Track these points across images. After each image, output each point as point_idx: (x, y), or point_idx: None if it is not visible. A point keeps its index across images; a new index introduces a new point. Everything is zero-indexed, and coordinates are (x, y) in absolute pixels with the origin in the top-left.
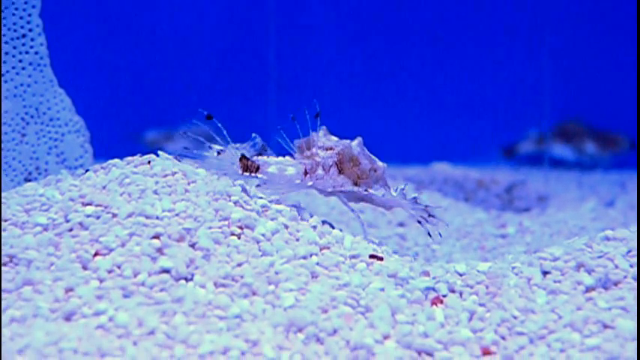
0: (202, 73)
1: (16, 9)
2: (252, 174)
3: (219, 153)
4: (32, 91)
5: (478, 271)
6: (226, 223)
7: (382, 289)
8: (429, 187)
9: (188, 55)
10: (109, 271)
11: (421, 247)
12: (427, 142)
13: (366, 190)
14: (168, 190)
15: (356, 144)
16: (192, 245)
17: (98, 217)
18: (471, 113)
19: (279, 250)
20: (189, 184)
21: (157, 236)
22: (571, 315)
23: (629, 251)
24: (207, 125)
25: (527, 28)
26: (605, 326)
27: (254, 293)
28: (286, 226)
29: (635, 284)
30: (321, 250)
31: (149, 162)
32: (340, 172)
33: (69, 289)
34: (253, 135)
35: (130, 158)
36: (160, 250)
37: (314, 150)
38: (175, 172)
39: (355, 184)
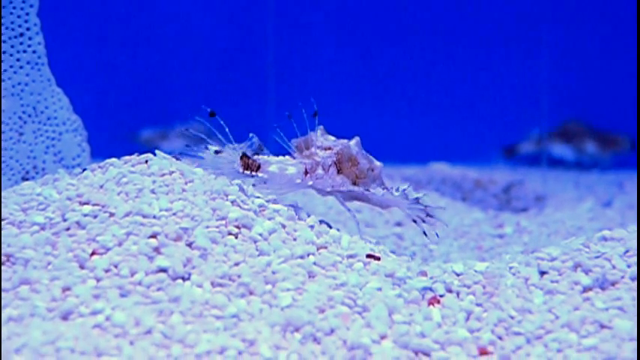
0: (199, 72)
1: (14, 8)
2: (253, 173)
3: (217, 153)
4: (30, 90)
5: (475, 271)
6: (223, 222)
7: (379, 289)
8: (426, 187)
9: (184, 53)
10: (106, 271)
11: (418, 247)
12: (425, 141)
13: (367, 190)
14: (165, 189)
15: (354, 144)
16: (190, 245)
17: (95, 217)
18: (471, 113)
19: (276, 249)
20: (186, 183)
21: (154, 235)
22: (568, 315)
23: (627, 251)
24: (206, 124)
25: (528, 27)
26: (603, 326)
27: (251, 293)
28: (283, 226)
29: (633, 284)
30: (318, 249)
31: (146, 161)
32: (339, 171)
33: (66, 289)
34: (250, 135)
35: (127, 157)
36: (157, 250)
37: (313, 149)
38: (173, 172)
39: (354, 183)
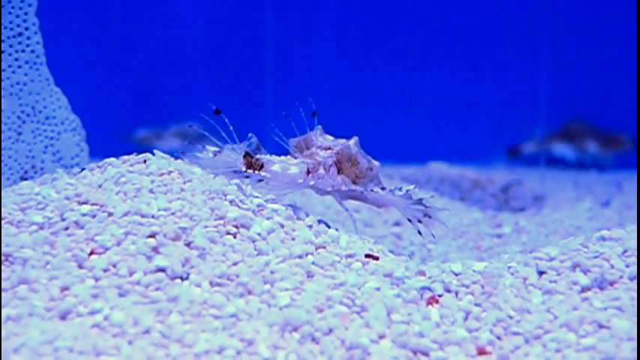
0: (195, 72)
1: (13, 7)
2: (256, 171)
3: (215, 154)
4: (28, 90)
5: (474, 270)
6: (222, 222)
7: (378, 289)
8: (425, 187)
9: (181, 53)
10: (105, 270)
11: (417, 247)
12: (424, 141)
13: (371, 190)
14: (164, 189)
15: (353, 143)
16: (188, 244)
17: (94, 216)
18: (470, 113)
19: (274, 249)
20: (185, 183)
21: (152, 235)
22: (567, 315)
23: (625, 251)
24: (203, 123)
25: (528, 26)
26: (601, 326)
27: (249, 292)
28: (282, 226)
29: (631, 284)
30: (316, 249)
31: (145, 161)
32: (339, 171)
33: (64, 288)
34: (249, 134)
35: (125, 157)
36: (155, 249)
37: (313, 149)
38: (171, 171)
39: (354, 183)
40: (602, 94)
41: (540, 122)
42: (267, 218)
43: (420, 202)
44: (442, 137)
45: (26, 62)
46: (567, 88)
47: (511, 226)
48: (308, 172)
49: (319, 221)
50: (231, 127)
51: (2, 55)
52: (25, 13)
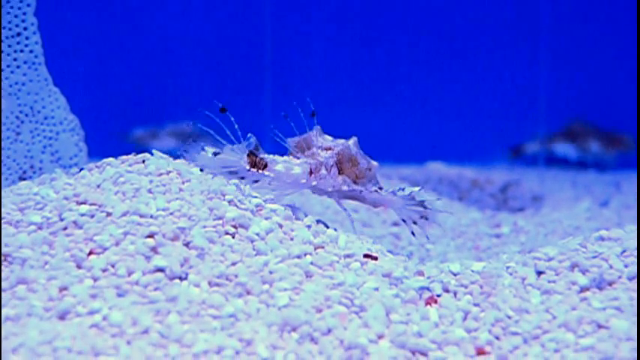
0: (192, 71)
1: (11, 7)
2: (260, 171)
3: (215, 154)
4: (27, 90)
5: (472, 270)
6: (220, 222)
7: (376, 289)
8: (423, 187)
9: (178, 52)
10: (103, 270)
11: (415, 247)
12: (423, 141)
13: (376, 191)
14: (162, 189)
15: (352, 144)
16: (187, 244)
17: (92, 216)
18: (469, 113)
19: (273, 249)
20: (183, 183)
21: (151, 235)
22: (565, 315)
23: (624, 251)
24: (196, 123)
25: (528, 26)
26: (600, 326)
27: (248, 292)
28: (280, 226)
29: (630, 284)
30: (315, 249)
31: (143, 161)
32: (340, 172)
33: (63, 288)
34: (248, 135)
35: (124, 157)
36: (154, 249)
37: (314, 149)
38: (170, 171)
39: (354, 183)
40: (604, 94)
41: (541, 122)
42: (266, 218)
43: (420, 203)
44: (441, 137)
45: (25, 62)
46: (569, 89)
47: (510, 226)
48: (310, 173)
49: (318, 221)
50: (236, 126)
51: (1, 55)
52: (24, 13)
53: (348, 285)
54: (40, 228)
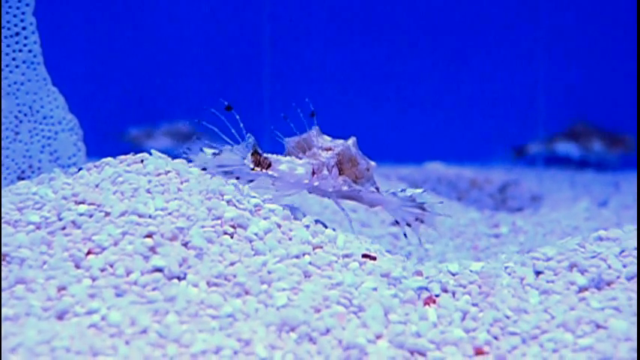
0: (189, 71)
1: (10, 7)
2: (264, 170)
3: (214, 155)
4: (26, 90)
5: (471, 270)
6: (219, 222)
7: (375, 289)
8: (422, 187)
9: (175, 52)
10: (102, 270)
11: (414, 247)
12: (421, 141)
13: (377, 190)
14: (161, 188)
15: (351, 144)
16: (185, 244)
17: (91, 216)
18: (470, 112)
19: (271, 249)
20: (182, 182)
21: (149, 235)
22: (564, 315)
23: (623, 251)
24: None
25: (529, 26)
26: (598, 326)
27: (247, 292)
28: (279, 225)
29: (628, 284)
30: (313, 249)
31: (142, 161)
32: (340, 172)
33: (61, 288)
34: (248, 135)
35: (123, 157)
36: (152, 249)
37: (314, 150)
38: (168, 171)
39: (354, 183)
40: (607, 95)
41: (540, 122)
42: (265, 218)
43: (419, 205)
44: (440, 137)
45: (24, 62)
46: (570, 89)
47: (508, 226)
48: (313, 173)
49: (316, 221)
50: (241, 125)
51: (0, 54)
52: (23, 13)
53: (346, 285)
54: (38, 228)
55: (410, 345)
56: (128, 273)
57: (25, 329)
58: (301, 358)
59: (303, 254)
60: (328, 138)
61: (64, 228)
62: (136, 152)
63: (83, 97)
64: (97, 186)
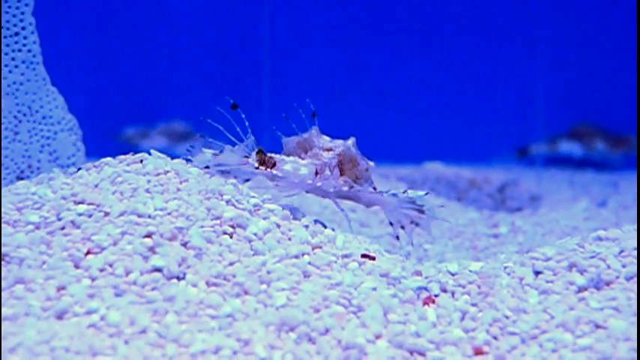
0: (187, 71)
1: (9, 7)
2: (268, 169)
3: (215, 155)
4: (25, 90)
5: (470, 270)
6: (218, 222)
7: (374, 289)
8: (421, 187)
9: (171, 53)
10: (101, 270)
11: (413, 247)
12: (420, 140)
13: (375, 190)
14: (160, 188)
15: (351, 144)
16: (185, 244)
17: (90, 216)
18: (470, 113)
19: (271, 249)
20: (181, 182)
21: (149, 235)
22: (563, 315)
23: (622, 251)
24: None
25: (529, 26)
26: (598, 326)
27: (246, 292)
28: (278, 226)
29: (628, 284)
30: (313, 249)
31: (141, 161)
32: (340, 172)
33: (61, 288)
34: (248, 134)
35: (122, 157)
36: (151, 249)
37: (316, 150)
38: (168, 171)
39: (354, 183)
40: (610, 96)
41: (539, 122)
42: (264, 218)
43: (418, 208)
44: (439, 137)
45: (23, 62)
46: (570, 89)
47: (507, 226)
48: (316, 173)
49: (315, 221)
50: (247, 123)
51: None
52: (22, 13)
53: (345, 285)
54: (37, 228)
55: (409, 345)
56: (127, 273)
57: (24, 329)
58: (300, 358)
59: (303, 254)
60: (327, 138)
61: (63, 228)
62: (134, 152)
63: (80, 97)
64: (96, 186)
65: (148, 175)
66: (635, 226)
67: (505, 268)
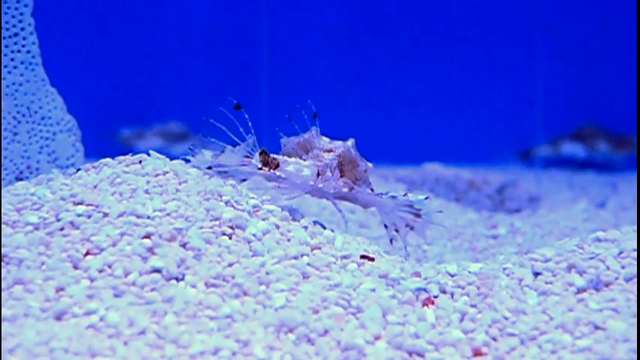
0: (186, 71)
1: (9, 8)
2: (271, 170)
3: (215, 156)
4: (24, 90)
5: (469, 272)
6: (217, 223)
7: (373, 290)
8: (420, 188)
9: (167, 52)
10: (100, 271)
11: (412, 248)
12: (419, 141)
13: (379, 194)
14: (159, 189)
15: (350, 145)
16: (184, 245)
17: (89, 217)
18: (471, 113)
19: (270, 250)
20: (180, 183)
21: (147, 236)
22: (562, 316)
23: (621, 252)
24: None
25: (529, 28)
26: (597, 327)
27: (245, 293)
28: (277, 227)
29: (627, 286)
30: (312, 250)
31: (140, 161)
32: (341, 174)
33: (60, 289)
34: (248, 135)
35: (121, 158)
36: (150, 250)
37: (316, 151)
38: (167, 172)
39: (353, 184)
40: (613, 97)
41: (540, 124)
42: (263, 219)
43: (415, 212)
44: (438, 138)
45: (22, 63)
46: (570, 90)
47: (506, 227)
48: (318, 175)
49: (315, 222)
50: (249, 124)
51: None
52: (21, 14)
53: (344, 286)
54: (36, 228)
55: (408, 346)
56: (126, 274)
57: (23, 330)
58: (299, 359)
59: (302, 255)
60: (327, 139)
61: (62, 229)
62: (133, 153)
63: (76, 97)
64: (95, 187)
65: (147, 176)
66: (635, 227)
67: (504, 269)
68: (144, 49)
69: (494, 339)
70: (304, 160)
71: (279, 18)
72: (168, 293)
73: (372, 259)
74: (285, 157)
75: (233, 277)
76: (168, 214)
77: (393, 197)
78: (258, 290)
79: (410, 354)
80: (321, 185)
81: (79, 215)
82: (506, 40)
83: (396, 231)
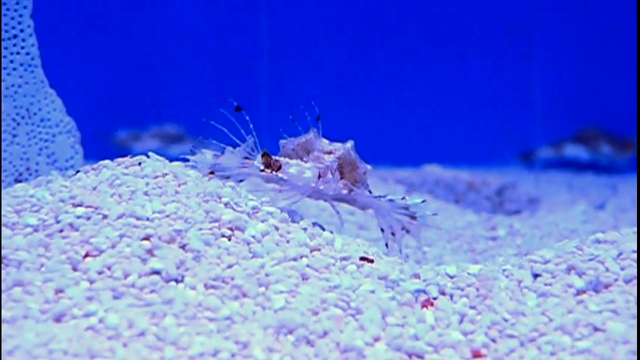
0: (185, 71)
1: (8, 9)
2: (273, 172)
3: (215, 157)
4: (23, 92)
5: (469, 273)
6: (217, 224)
7: (372, 292)
8: (419, 189)
9: (165, 53)
10: (100, 273)
11: (412, 250)
12: (419, 143)
13: (378, 197)
14: (158, 191)
15: (350, 147)
16: (183, 247)
17: (89, 219)
18: (471, 114)
19: (269, 251)
20: (179, 185)
21: (147, 238)
22: (562, 318)
23: (620, 254)
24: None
25: (529, 29)
26: (596, 329)
27: (244, 295)
28: (277, 228)
29: (626, 287)
30: (311, 252)
31: (140, 163)
32: (341, 175)
33: (59, 291)
34: (248, 136)
35: (120, 159)
36: (150, 252)
37: (317, 153)
38: (166, 174)
39: (353, 186)
40: (614, 99)
41: (540, 125)
42: (262, 221)
43: (411, 215)
44: (438, 140)
45: (21, 64)
46: (570, 91)
47: (506, 229)
48: (319, 177)
49: (314, 224)
50: (251, 125)
51: None
52: (20, 15)
53: (344, 288)
54: (36, 230)
55: (407, 348)
56: (126, 275)
57: (22, 332)
58: None
59: (301, 257)
60: (326, 141)
61: (61, 230)
62: (132, 155)
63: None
64: (94, 188)
65: (146, 178)
66: (634, 229)
67: (503, 270)
68: (140, 51)
69: (494, 340)
70: (305, 161)
71: (279, 18)
72: (168, 295)
73: (372, 261)
74: (287, 159)
75: (232, 279)
76: (167, 216)
77: (390, 200)
78: (257, 292)
79: (409, 355)
80: (322, 187)
81: (79, 217)
82: (505, 41)
83: (393, 234)
